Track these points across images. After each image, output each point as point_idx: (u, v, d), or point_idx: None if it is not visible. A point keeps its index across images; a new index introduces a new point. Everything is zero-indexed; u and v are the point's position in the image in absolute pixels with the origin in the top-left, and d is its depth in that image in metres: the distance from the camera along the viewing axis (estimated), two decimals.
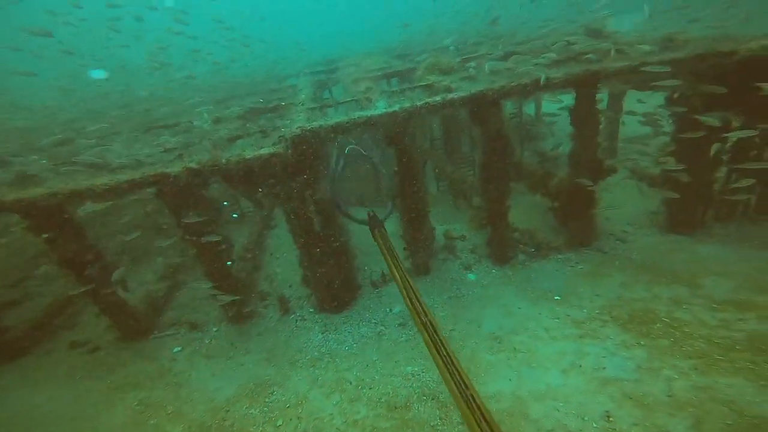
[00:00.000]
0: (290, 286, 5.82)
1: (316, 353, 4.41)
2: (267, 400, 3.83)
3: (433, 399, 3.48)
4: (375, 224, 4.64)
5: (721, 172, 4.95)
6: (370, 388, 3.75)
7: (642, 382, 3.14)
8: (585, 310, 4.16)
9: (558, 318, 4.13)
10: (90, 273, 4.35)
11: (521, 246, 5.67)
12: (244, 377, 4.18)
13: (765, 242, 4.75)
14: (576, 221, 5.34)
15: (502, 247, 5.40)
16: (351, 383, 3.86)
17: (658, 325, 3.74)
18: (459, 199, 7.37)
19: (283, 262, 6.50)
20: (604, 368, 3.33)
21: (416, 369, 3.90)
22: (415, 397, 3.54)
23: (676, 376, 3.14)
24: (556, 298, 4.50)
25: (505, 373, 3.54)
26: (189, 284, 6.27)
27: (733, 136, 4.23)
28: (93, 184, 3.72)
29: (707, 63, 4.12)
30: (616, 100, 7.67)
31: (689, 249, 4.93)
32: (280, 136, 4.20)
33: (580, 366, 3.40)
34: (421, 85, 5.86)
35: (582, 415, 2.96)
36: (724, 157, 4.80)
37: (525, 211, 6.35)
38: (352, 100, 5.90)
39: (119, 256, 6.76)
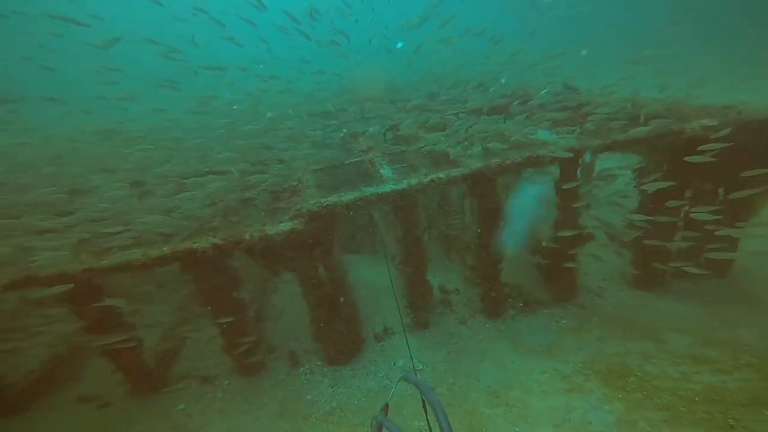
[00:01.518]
0: (296, 339, 6.03)
1: (327, 407, 4.61)
2: None
3: None
4: None
5: (677, 236, 5.67)
6: None
7: None
8: (570, 364, 4.62)
9: (547, 372, 4.56)
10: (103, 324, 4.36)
11: (510, 300, 6.18)
12: None
13: (713, 299, 5.44)
14: (560, 279, 5.93)
15: (494, 303, 5.89)
16: None
17: (632, 378, 4.22)
18: (451, 252, 7.92)
19: (288, 314, 6.72)
20: (590, 422, 3.74)
21: (423, 424, 4.15)
22: None
23: (650, 429, 3.58)
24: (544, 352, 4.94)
25: (503, 427, 3.89)
26: (196, 336, 6.37)
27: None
28: (127, 260, 4.02)
29: (665, 140, 4.82)
30: (589, 164, 8.59)
31: (653, 305, 5.56)
32: (296, 209, 4.68)
33: (570, 420, 3.80)
34: (419, 147, 6.54)
35: None
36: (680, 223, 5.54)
37: (513, 266, 6.92)
38: (357, 161, 6.49)
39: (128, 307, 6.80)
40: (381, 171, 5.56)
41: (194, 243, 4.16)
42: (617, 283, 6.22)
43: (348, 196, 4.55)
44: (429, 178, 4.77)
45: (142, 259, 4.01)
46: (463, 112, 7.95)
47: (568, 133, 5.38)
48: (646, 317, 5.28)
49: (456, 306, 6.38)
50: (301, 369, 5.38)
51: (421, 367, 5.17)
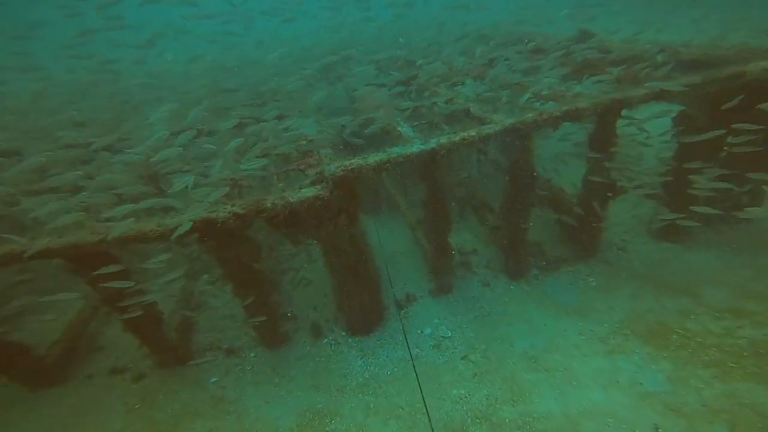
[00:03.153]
0: (316, 309, 5.69)
1: (360, 379, 4.36)
2: (328, 429, 3.76)
3: (486, 421, 3.56)
4: None
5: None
6: (424, 414, 3.77)
7: (676, 393, 3.36)
8: (606, 325, 4.37)
9: (583, 334, 4.32)
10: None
11: (532, 259, 5.86)
12: (297, 405, 4.07)
13: (741, 247, 5.16)
14: (583, 234, 5.56)
15: (516, 263, 5.55)
16: (403, 409, 3.86)
17: (674, 336, 4.00)
18: (465, 209, 7.45)
19: (305, 283, 6.33)
20: (640, 383, 3.54)
21: (462, 392, 3.96)
22: (470, 420, 3.60)
23: (702, 386, 3.39)
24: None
25: (548, 392, 3.67)
26: (211, 307, 5.98)
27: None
28: (144, 229, 3.46)
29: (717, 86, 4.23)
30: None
31: (681, 257, 5.27)
32: (318, 173, 4.08)
33: (618, 382, 3.59)
34: (435, 102, 5.82)
35: (632, 429, 3.13)
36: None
37: (532, 222, 6.52)
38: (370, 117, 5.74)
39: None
40: (399, 129, 4.89)
41: (212, 212, 3.59)
42: (641, 235, 5.89)
43: (374, 158, 3.92)
44: (459, 137, 4.15)
45: (159, 230, 3.45)
46: (475, 63, 7.10)
47: (595, 83, 4.72)
48: (676, 271, 5.01)
49: (476, 268, 6.04)
50: (326, 340, 5.07)
51: (449, 334, 4.90)
